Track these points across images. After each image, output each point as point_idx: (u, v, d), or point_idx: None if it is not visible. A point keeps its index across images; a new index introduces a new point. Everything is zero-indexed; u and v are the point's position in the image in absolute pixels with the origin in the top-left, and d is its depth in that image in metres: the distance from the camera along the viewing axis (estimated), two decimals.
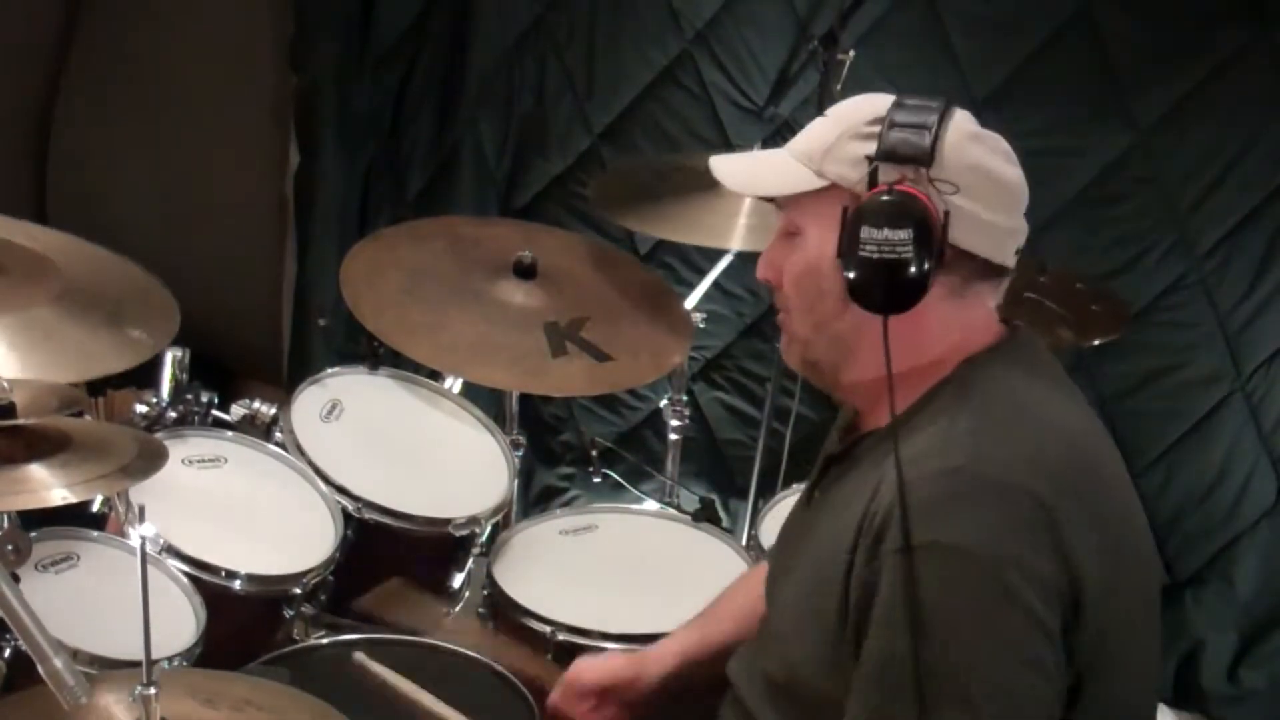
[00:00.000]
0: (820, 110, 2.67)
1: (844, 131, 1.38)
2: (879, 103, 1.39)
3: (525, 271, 2.38)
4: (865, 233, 1.31)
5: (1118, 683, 1.33)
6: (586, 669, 1.82)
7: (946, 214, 1.33)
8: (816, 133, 1.42)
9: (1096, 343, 2.52)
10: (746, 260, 3.02)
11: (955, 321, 1.39)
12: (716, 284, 2.85)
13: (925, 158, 1.33)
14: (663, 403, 2.70)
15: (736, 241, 2.48)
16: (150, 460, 1.66)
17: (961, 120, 1.39)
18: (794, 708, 1.45)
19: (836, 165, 1.38)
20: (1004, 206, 1.38)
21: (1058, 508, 1.27)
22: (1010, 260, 1.40)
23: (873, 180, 1.35)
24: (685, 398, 2.68)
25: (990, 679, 1.25)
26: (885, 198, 1.32)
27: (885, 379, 1.33)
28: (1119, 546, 1.33)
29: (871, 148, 1.35)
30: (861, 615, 1.31)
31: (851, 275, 1.33)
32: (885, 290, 1.33)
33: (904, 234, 1.30)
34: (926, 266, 1.31)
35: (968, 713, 1.24)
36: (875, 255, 1.31)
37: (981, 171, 1.37)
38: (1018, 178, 1.41)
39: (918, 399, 1.39)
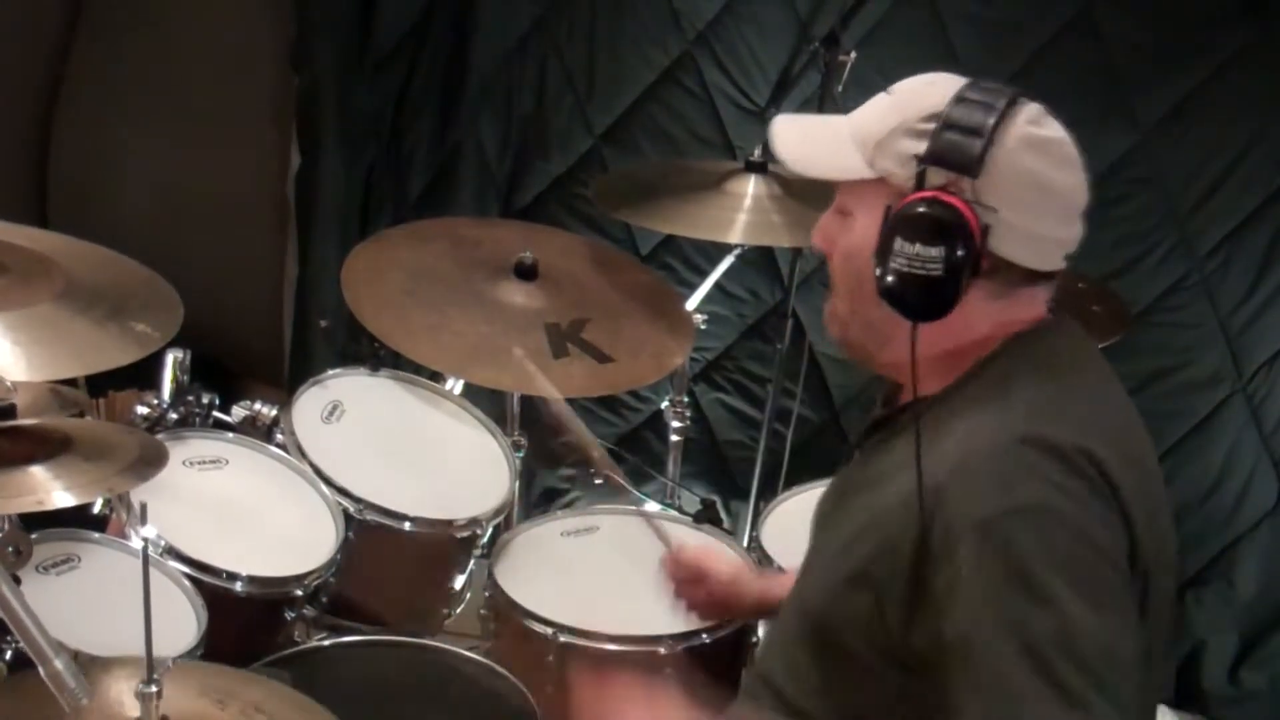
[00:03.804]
0: (820, 111, 2.71)
1: (899, 124, 1.35)
2: (941, 91, 1.35)
3: (526, 273, 2.37)
4: (898, 244, 1.29)
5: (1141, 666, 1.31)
6: (698, 552, 1.93)
7: (986, 227, 1.30)
8: (875, 116, 1.39)
9: (1099, 346, 2.51)
10: (747, 261, 3.03)
11: (998, 313, 1.37)
12: (717, 285, 2.85)
13: (973, 167, 1.30)
14: (664, 404, 2.70)
15: (738, 235, 2.48)
16: (151, 462, 1.66)
17: (1024, 121, 1.34)
18: (819, 651, 1.43)
19: (886, 159, 1.35)
20: (1054, 216, 1.36)
21: (1116, 471, 1.27)
22: (1058, 265, 1.38)
23: (920, 182, 1.32)
24: (686, 399, 2.69)
25: (1098, 639, 1.21)
26: (922, 209, 1.29)
27: (922, 361, 1.33)
28: (1157, 521, 1.33)
29: (923, 147, 1.32)
30: (925, 588, 1.27)
31: (883, 280, 1.32)
32: (914, 301, 1.31)
33: (935, 251, 1.28)
34: (958, 281, 1.29)
35: (1084, 674, 1.19)
36: (905, 268, 1.29)
37: (1033, 182, 1.33)
38: (1074, 184, 1.37)
39: (965, 371, 1.38)
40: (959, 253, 1.28)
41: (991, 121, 1.31)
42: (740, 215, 2.48)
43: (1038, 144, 1.34)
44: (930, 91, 1.36)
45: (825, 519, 1.57)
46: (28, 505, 1.55)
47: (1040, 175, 1.34)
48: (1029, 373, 1.35)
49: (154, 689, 1.42)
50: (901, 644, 1.31)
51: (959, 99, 1.33)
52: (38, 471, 1.56)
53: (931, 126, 1.32)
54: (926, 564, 1.27)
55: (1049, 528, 1.23)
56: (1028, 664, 1.20)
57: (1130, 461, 1.31)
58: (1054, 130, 1.36)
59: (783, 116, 1.50)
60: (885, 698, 1.35)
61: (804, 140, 1.48)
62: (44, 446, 1.60)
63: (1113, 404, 1.39)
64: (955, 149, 1.31)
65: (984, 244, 1.30)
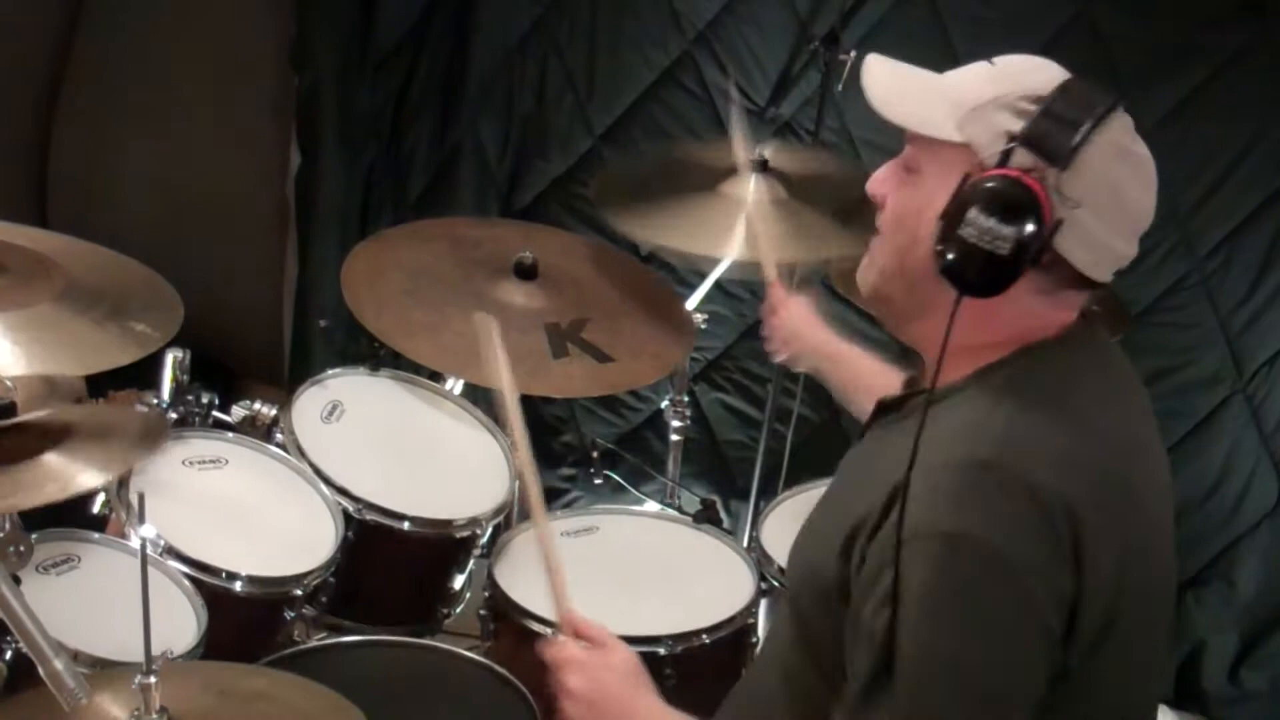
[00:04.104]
0: (820, 111, 2.71)
1: (999, 96, 1.32)
2: (1048, 76, 1.34)
3: (526, 272, 2.37)
4: (972, 214, 1.27)
5: (1097, 694, 1.32)
6: (596, 626, 1.69)
7: (1060, 221, 1.29)
8: (974, 83, 1.36)
9: None
10: (747, 261, 3.02)
11: (1033, 314, 1.36)
12: (718, 285, 2.85)
13: (1063, 159, 1.28)
14: (664, 404, 2.70)
15: (735, 247, 2.41)
16: (155, 433, 1.66)
17: (1118, 130, 1.33)
18: (798, 622, 1.45)
19: (977, 127, 1.33)
20: (1122, 232, 1.35)
21: (1085, 517, 1.26)
22: (1106, 279, 1.37)
23: (1004, 159, 1.30)
24: (686, 399, 2.68)
25: (995, 679, 1.25)
26: (1004, 185, 1.28)
27: (945, 343, 1.31)
28: (1138, 558, 1.32)
29: (1018, 126, 1.30)
30: (867, 582, 1.30)
31: (945, 245, 1.30)
32: (971, 274, 1.29)
33: (1008, 230, 1.26)
34: (1019, 265, 1.28)
35: (966, 706, 1.24)
36: (973, 239, 1.27)
37: (1114, 192, 1.32)
38: (1147, 206, 1.36)
39: (973, 372, 1.37)
40: (1030, 238, 1.27)
41: (1090, 120, 1.30)
42: (738, 225, 2.40)
43: (1128, 156, 1.34)
44: (1037, 74, 1.35)
45: (829, 496, 1.57)
46: (52, 494, 1.55)
47: (1121, 186, 1.33)
48: (1024, 391, 1.34)
49: (152, 680, 1.42)
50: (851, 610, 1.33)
51: (1064, 89, 1.32)
52: (52, 460, 1.56)
53: (1032, 108, 1.30)
54: (874, 551, 1.29)
55: (981, 564, 1.24)
56: (914, 682, 1.24)
57: (1106, 495, 1.29)
58: (1142, 148, 1.36)
59: (876, 56, 1.46)
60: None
61: (895, 82, 1.44)
62: (50, 436, 1.60)
63: (1113, 431, 1.36)
64: (1050, 137, 1.29)
65: (1052, 236, 1.29)
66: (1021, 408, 1.32)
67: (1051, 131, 1.29)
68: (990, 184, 1.28)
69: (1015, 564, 1.24)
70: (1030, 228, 1.27)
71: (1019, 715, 1.26)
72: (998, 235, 1.26)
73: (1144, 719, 1.44)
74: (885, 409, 1.50)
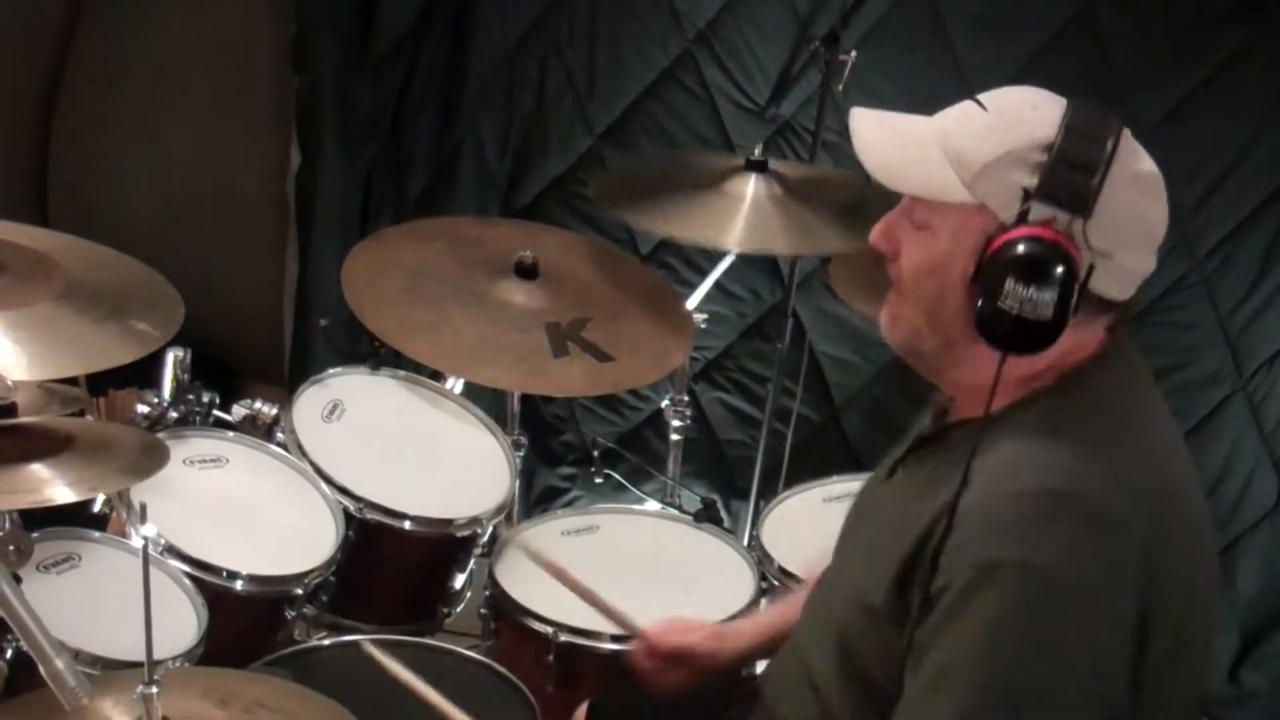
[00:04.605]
0: (820, 111, 2.71)
1: (1008, 153, 1.29)
2: (1048, 117, 1.30)
3: (526, 272, 2.37)
4: (1009, 284, 1.26)
5: (1176, 708, 1.32)
6: (671, 634, 1.82)
7: (1091, 268, 1.28)
8: (975, 137, 1.32)
9: None
10: (747, 261, 3.03)
11: (1070, 342, 1.34)
12: (718, 284, 2.85)
13: (1086, 207, 1.26)
14: (664, 403, 2.70)
15: (736, 240, 2.44)
16: (152, 459, 1.66)
17: (1126, 155, 1.30)
18: (845, 667, 1.43)
19: (989, 186, 1.30)
20: (1146, 251, 1.34)
21: (1153, 540, 1.25)
22: (1132, 294, 1.36)
23: (1023, 216, 1.28)
24: (686, 398, 2.69)
25: (1048, 708, 1.23)
26: (1035, 250, 1.25)
27: (985, 385, 1.30)
28: (1199, 571, 1.33)
29: (1033, 181, 1.27)
30: (925, 608, 1.28)
31: (985, 315, 1.28)
32: (1015, 339, 1.28)
33: (1048, 295, 1.25)
34: (1063, 324, 1.27)
35: None
36: (1015, 311, 1.26)
37: (1135, 219, 1.31)
38: (1164, 219, 1.35)
39: (1016, 400, 1.35)
40: (1068, 296, 1.26)
41: (1104, 158, 1.28)
42: (739, 218, 2.43)
43: (1142, 181, 1.32)
44: (1037, 117, 1.31)
45: (849, 531, 1.57)
46: (23, 502, 1.55)
47: (1143, 213, 1.32)
48: (1079, 415, 1.33)
49: (154, 690, 1.42)
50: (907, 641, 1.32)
51: (1069, 129, 1.29)
52: (38, 469, 1.56)
53: (1043, 159, 1.28)
54: (941, 576, 1.28)
55: (1048, 594, 1.23)
56: (975, 706, 1.23)
57: (1166, 514, 1.29)
58: (1149, 163, 1.34)
59: (863, 111, 1.42)
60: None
61: (891, 145, 1.40)
62: (45, 444, 1.60)
63: (1161, 450, 1.36)
64: (1068, 187, 1.27)
65: (1086, 283, 1.28)
66: (1080, 435, 1.31)
67: (1068, 180, 1.27)
68: (1021, 250, 1.26)
69: (1083, 596, 1.23)
70: (1068, 285, 1.26)
71: None
72: (1039, 302, 1.25)
73: None
74: (922, 443, 1.48)
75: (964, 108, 1.36)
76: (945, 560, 1.27)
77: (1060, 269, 1.25)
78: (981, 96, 1.36)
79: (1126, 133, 1.32)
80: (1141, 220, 1.32)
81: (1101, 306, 1.34)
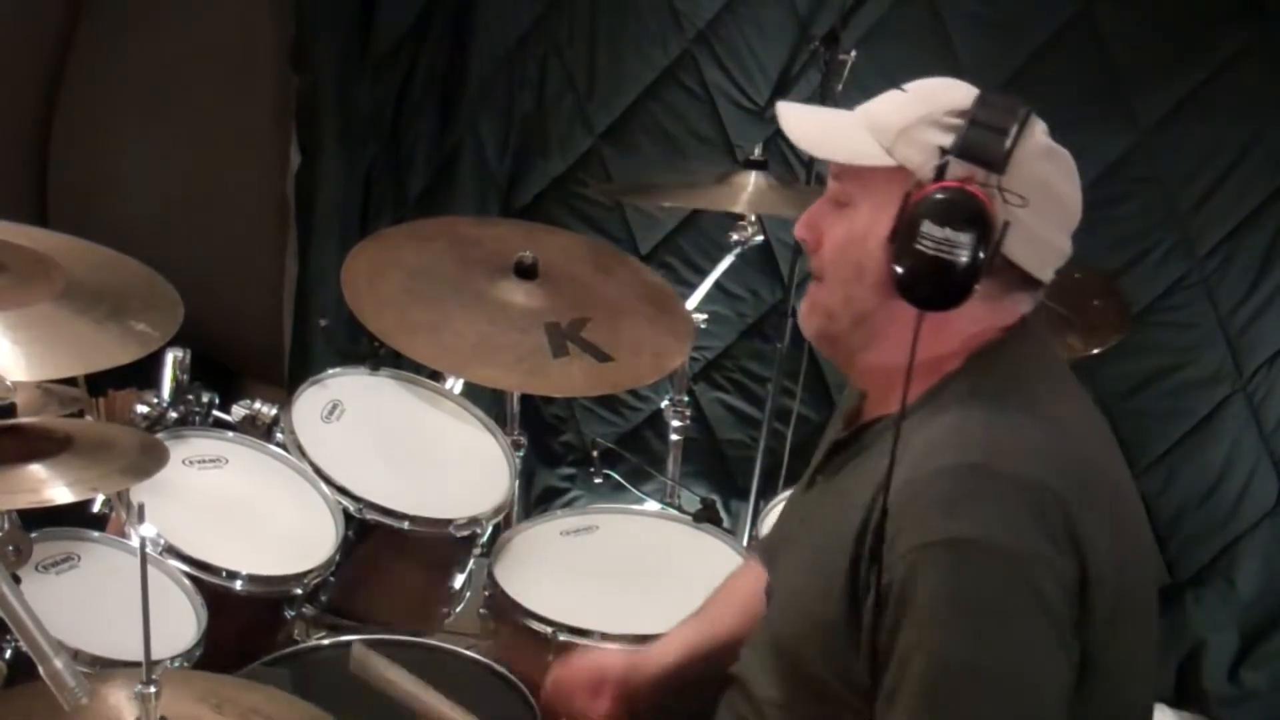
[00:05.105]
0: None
1: (924, 116, 1.36)
2: (962, 93, 1.38)
3: (526, 272, 2.37)
4: (926, 227, 1.29)
5: (1119, 679, 1.33)
6: (578, 661, 1.84)
7: (1006, 224, 1.31)
8: (893, 108, 1.40)
9: (1099, 348, 2.52)
10: (747, 261, 3.03)
11: (981, 321, 1.39)
12: (717, 284, 2.85)
13: (1000, 163, 1.31)
14: (664, 403, 2.70)
15: (744, 207, 2.52)
16: (151, 460, 1.66)
17: (1039, 132, 1.38)
18: (794, 684, 1.44)
19: (908, 148, 1.36)
20: (1059, 226, 1.39)
21: (1074, 503, 1.27)
22: (1049, 277, 1.40)
23: (940, 173, 1.32)
24: (686, 398, 2.68)
25: (1017, 675, 1.25)
26: (951, 195, 1.30)
27: (899, 366, 1.32)
28: (1126, 541, 1.34)
29: (948, 140, 1.33)
30: (875, 607, 1.30)
31: (901, 267, 1.32)
32: (932, 287, 1.31)
33: (965, 237, 1.28)
34: (977, 272, 1.29)
35: (996, 709, 1.24)
36: (931, 251, 1.29)
37: (1048, 188, 1.36)
38: (1077, 200, 1.40)
39: (927, 389, 1.38)
40: (985, 242, 1.29)
41: (1015, 125, 1.33)
42: (744, 195, 2.52)
43: (1053, 154, 1.38)
44: (951, 91, 1.39)
45: (779, 547, 1.58)
46: (22, 502, 1.55)
47: (1054, 183, 1.37)
48: (990, 394, 1.36)
49: (153, 690, 1.42)
50: (859, 660, 1.33)
51: (982, 101, 1.36)
52: (37, 469, 1.56)
53: (959, 122, 1.34)
54: (882, 579, 1.29)
55: (985, 563, 1.25)
56: (943, 693, 1.25)
57: (1089, 483, 1.31)
58: (1060, 148, 1.40)
59: (788, 104, 1.50)
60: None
61: (815, 123, 1.49)
62: (44, 445, 1.60)
63: (1074, 422, 1.39)
64: (982, 144, 1.32)
65: (1001, 240, 1.31)
66: (993, 410, 1.34)
67: (982, 139, 1.32)
68: (938, 196, 1.30)
69: (1020, 557, 1.25)
70: (985, 231, 1.29)
71: (1052, 713, 1.26)
72: (955, 243, 1.28)
73: (1147, 715, 1.45)
74: (839, 448, 1.50)
75: (887, 94, 1.43)
76: (886, 555, 1.29)
77: (975, 213, 1.29)
78: (905, 85, 1.43)
79: (1036, 116, 1.37)
80: (1053, 191, 1.37)
81: (1017, 280, 1.38)
